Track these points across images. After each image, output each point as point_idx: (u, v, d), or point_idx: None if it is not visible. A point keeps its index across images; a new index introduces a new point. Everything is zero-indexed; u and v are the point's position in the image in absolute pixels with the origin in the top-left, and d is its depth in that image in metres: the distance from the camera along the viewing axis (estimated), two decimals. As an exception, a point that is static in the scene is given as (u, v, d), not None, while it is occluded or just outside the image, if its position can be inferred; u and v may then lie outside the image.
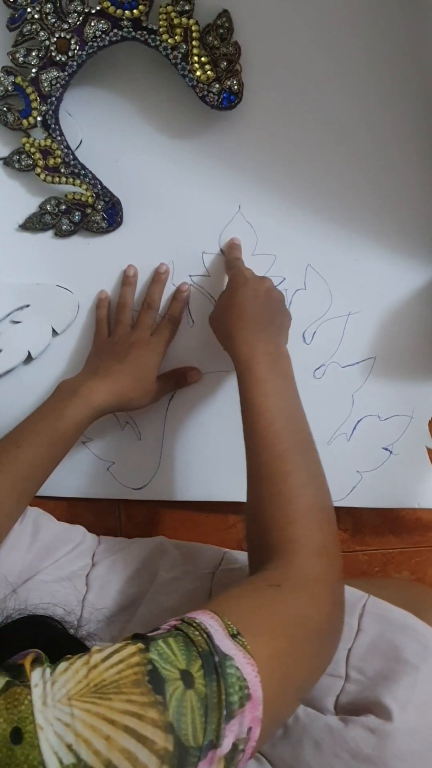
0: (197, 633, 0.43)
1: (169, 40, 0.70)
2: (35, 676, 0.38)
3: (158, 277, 0.80)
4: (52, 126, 0.75)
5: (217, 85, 0.72)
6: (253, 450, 0.63)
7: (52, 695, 0.37)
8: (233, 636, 0.44)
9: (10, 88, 0.74)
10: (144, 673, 0.39)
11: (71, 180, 0.77)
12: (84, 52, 0.72)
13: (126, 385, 0.75)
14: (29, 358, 0.83)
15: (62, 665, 0.39)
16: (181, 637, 0.42)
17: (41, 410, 0.72)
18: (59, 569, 0.72)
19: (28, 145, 0.76)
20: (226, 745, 0.39)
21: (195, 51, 0.71)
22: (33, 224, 0.80)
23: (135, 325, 0.80)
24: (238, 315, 0.69)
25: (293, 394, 0.67)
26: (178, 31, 0.70)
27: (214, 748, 0.38)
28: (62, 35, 0.71)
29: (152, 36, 0.71)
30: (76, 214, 0.79)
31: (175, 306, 0.81)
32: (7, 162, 0.78)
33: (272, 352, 0.67)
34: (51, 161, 0.76)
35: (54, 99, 0.74)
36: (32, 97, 0.74)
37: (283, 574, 0.54)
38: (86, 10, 0.70)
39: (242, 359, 0.66)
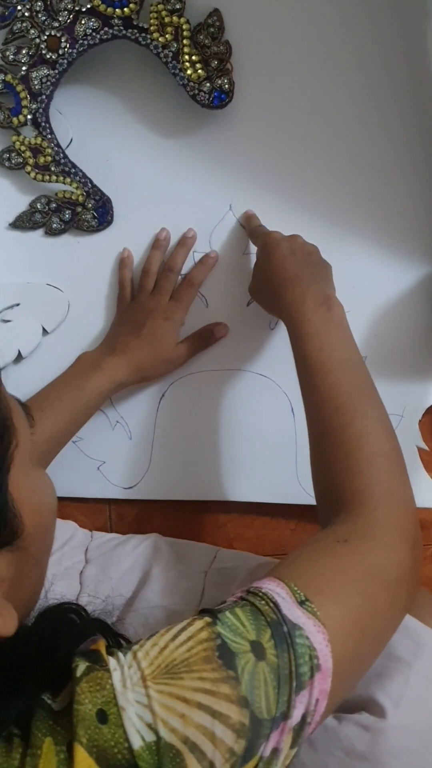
0: (264, 602, 0.43)
1: (160, 39, 0.70)
2: (113, 661, 0.39)
3: (184, 241, 0.79)
4: (43, 124, 0.75)
5: (208, 84, 0.72)
6: (311, 407, 0.61)
7: (129, 678, 0.38)
8: (301, 603, 0.43)
9: (0, 86, 0.73)
10: (214, 648, 0.39)
11: (61, 178, 0.77)
12: (74, 51, 0.72)
13: (144, 359, 0.77)
14: (19, 357, 0.83)
15: (134, 648, 0.40)
16: (248, 606, 0.42)
17: (63, 378, 0.75)
18: (52, 566, 0.71)
19: (18, 143, 0.76)
20: (296, 716, 0.40)
21: (186, 50, 0.71)
22: (23, 223, 0.80)
23: (154, 289, 0.79)
24: (282, 277, 0.67)
25: (348, 342, 0.64)
26: (169, 29, 0.70)
27: (285, 719, 0.39)
28: (53, 33, 0.71)
29: (143, 34, 0.71)
30: (67, 212, 0.79)
31: (198, 270, 0.80)
32: (-3, 160, 0.77)
33: (322, 303, 0.65)
34: (41, 159, 0.76)
35: (44, 97, 0.74)
36: (22, 95, 0.73)
37: (349, 528, 0.52)
38: (77, 8, 0.70)
39: (294, 318, 0.65)
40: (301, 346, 0.63)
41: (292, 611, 0.42)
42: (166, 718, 0.36)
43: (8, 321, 0.82)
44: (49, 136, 0.75)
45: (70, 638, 0.43)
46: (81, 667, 0.39)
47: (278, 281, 0.68)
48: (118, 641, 0.48)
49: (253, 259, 0.80)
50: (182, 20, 0.70)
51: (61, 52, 0.72)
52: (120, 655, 0.40)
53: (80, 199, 0.78)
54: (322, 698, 0.41)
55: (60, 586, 0.70)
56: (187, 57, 0.71)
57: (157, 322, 0.77)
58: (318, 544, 0.51)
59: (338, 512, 0.54)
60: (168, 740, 0.36)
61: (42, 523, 0.46)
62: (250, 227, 0.78)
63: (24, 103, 0.74)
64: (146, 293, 0.79)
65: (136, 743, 0.36)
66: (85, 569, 0.73)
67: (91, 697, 0.37)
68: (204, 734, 0.36)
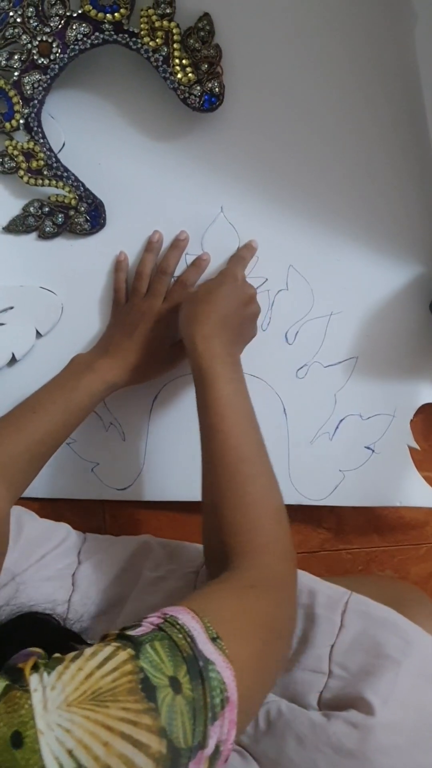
0: (180, 636, 0.44)
1: (151, 43, 0.71)
2: (34, 680, 0.39)
3: (177, 243, 0.80)
4: (35, 129, 0.75)
5: (198, 88, 0.72)
6: (214, 451, 0.63)
7: (51, 700, 0.38)
8: (213, 639, 0.45)
9: (-8, 91, 0.74)
10: (137, 681, 0.40)
11: (54, 182, 0.77)
12: (66, 55, 0.72)
13: (137, 361, 0.77)
14: (13, 360, 0.84)
15: (58, 668, 0.40)
16: (166, 641, 0.43)
17: (57, 381, 0.75)
18: (45, 567, 0.72)
19: (10, 147, 0.76)
20: (211, 745, 0.41)
21: (176, 54, 0.71)
22: (16, 226, 0.81)
23: (147, 292, 0.80)
24: (212, 308, 0.69)
25: (250, 401, 0.67)
26: (159, 34, 0.71)
27: (201, 749, 0.40)
28: (44, 38, 0.71)
29: (133, 39, 0.71)
30: (59, 216, 0.79)
31: (191, 272, 0.80)
32: (-10, 164, 0.78)
33: (232, 354, 0.69)
34: (34, 164, 0.77)
35: (36, 102, 0.74)
36: (15, 100, 0.74)
37: (256, 575, 0.56)
38: (68, 14, 0.71)
39: (203, 354, 0.67)
40: (212, 387, 0.65)
41: (205, 647, 0.44)
42: (90, 745, 0.36)
43: (2, 324, 0.83)
44: (42, 141, 0.76)
45: (14, 650, 0.43)
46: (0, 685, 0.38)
47: (207, 310, 0.70)
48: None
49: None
50: (172, 24, 0.71)
51: (52, 57, 0.72)
52: (44, 674, 0.39)
53: (73, 202, 0.78)
54: (232, 727, 0.43)
55: (53, 587, 0.71)
56: (177, 61, 0.71)
57: (150, 324, 0.78)
58: (228, 584, 0.55)
59: (240, 557, 0.58)
60: None
61: None
62: (237, 252, 0.80)
63: (16, 108, 0.74)
64: (140, 296, 0.79)
65: None
66: (78, 570, 0.74)
67: (7, 718, 0.36)
68: (125, 763, 0.36)
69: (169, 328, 0.79)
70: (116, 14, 0.70)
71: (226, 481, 0.61)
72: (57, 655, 0.42)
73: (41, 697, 0.38)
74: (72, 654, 0.41)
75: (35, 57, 0.72)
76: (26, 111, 0.74)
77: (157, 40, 0.71)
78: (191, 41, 0.71)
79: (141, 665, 0.41)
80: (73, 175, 0.77)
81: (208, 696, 0.41)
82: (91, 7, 0.70)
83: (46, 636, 0.51)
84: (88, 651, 0.42)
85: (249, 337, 0.75)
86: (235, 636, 0.47)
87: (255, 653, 0.48)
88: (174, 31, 0.71)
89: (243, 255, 0.79)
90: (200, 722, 0.40)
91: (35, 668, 0.40)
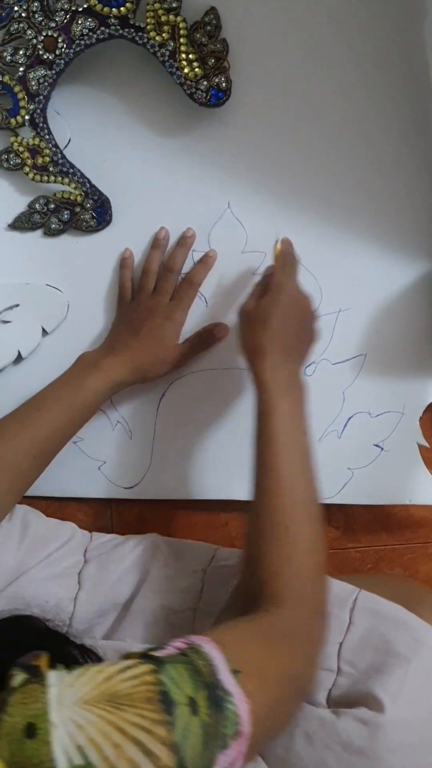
0: (203, 663, 0.44)
1: (157, 38, 0.71)
2: (53, 676, 0.39)
3: (184, 241, 0.79)
4: (40, 125, 0.75)
5: (205, 83, 0.72)
6: (266, 489, 0.61)
7: (68, 697, 0.38)
8: (234, 672, 0.45)
9: (-3, 87, 0.74)
10: (157, 692, 0.40)
11: (60, 179, 0.77)
12: (71, 51, 0.72)
13: (143, 359, 0.76)
14: (19, 358, 0.83)
15: (78, 670, 0.41)
16: (189, 665, 0.43)
17: (62, 379, 0.75)
18: (51, 566, 0.72)
19: (16, 144, 0.76)
20: None
21: (182, 48, 0.71)
22: (22, 223, 0.80)
23: (154, 289, 0.79)
24: (275, 334, 0.67)
25: (308, 437, 0.65)
26: (166, 28, 0.70)
27: None
28: (49, 33, 0.71)
29: (139, 34, 0.71)
30: (65, 212, 0.79)
31: (198, 270, 0.80)
32: (-4, 161, 0.78)
33: (298, 378, 0.67)
34: (39, 160, 0.76)
35: (42, 98, 0.74)
36: (20, 95, 0.74)
37: (290, 626, 0.54)
38: (73, 8, 0.70)
39: (269, 386, 0.64)
40: (274, 422, 0.63)
41: (226, 677, 0.44)
42: (101, 745, 0.36)
43: (8, 322, 0.82)
44: (47, 137, 0.75)
45: (8, 650, 0.43)
46: (18, 678, 0.39)
47: (256, 347, 0.67)
48: (79, 654, 0.50)
49: (252, 257, 0.80)
50: (179, 19, 0.70)
51: (58, 52, 0.72)
52: (62, 672, 0.40)
53: (79, 199, 0.78)
54: (239, 758, 0.43)
55: (58, 585, 0.71)
56: (183, 55, 0.71)
57: (156, 322, 0.77)
58: (260, 627, 0.53)
59: (277, 601, 0.55)
60: (97, 766, 0.36)
61: None
62: (282, 250, 0.77)
63: (21, 103, 0.74)
64: (146, 293, 0.79)
65: (62, 764, 0.35)
66: (83, 569, 0.74)
67: (23, 709, 0.37)
68: None
69: (176, 326, 0.78)
70: (122, 8, 0.70)
71: (275, 523, 0.59)
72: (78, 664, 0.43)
73: (58, 692, 0.38)
74: (93, 664, 0.42)
75: (40, 52, 0.72)
76: (31, 107, 0.74)
77: (164, 35, 0.71)
78: (198, 36, 0.71)
79: (162, 679, 0.41)
80: (79, 171, 0.77)
81: (221, 725, 0.41)
82: (96, 2, 0.70)
83: (39, 639, 0.51)
84: (109, 662, 0.42)
85: (310, 348, 0.72)
86: (255, 676, 0.46)
87: (273, 698, 0.48)
88: (180, 25, 0.70)
89: (287, 260, 0.74)
90: (210, 748, 0.40)
91: (53, 666, 0.40)
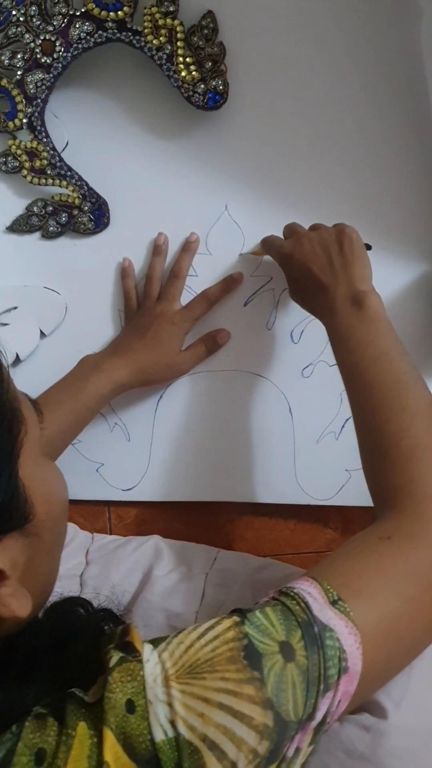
0: (295, 602, 0.42)
1: (154, 41, 0.71)
2: (147, 651, 0.40)
3: (188, 246, 0.80)
4: (38, 128, 0.75)
5: (202, 86, 0.72)
6: (353, 408, 0.60)
7: (155, 675, 0.39)
8: (333, 603, 0.42)
9: (-5, 90, 0.74)
10: (240, 648, 0.39)
11: (57, 181, 0.77)
12: (69, 54, 0.72)
13: (146, 361, 0.76)
14: (17, 361, 0.83)
15: (162, 645, 0.41)
16: (279, 606, 0.42)
17: (64, 381, 0.74)
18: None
19: (14, 147, 0.76)
20: (318, 717, 0.40)
21: (180, 52, 0.71)
22: (20, 226, 0.80)
23: (161, 296, 0.79)
24: (309, 285, 0.67)
25: (383, 336, 0.62)
26: (163, 32, 0.70)
27: (309, 721, 0.39)
28: (47, 37, 0.71)
29: (137, 37, 0.71)
30: (63, 215, 0.79)
31: (217, 287, 0.80)
32: (-7, 164, 0.78)
33: (353, 302, 0.64)
34: (37, 163, 0.76)
35: (39, 101, 0.74)
36: (18, 99, 0.74)
37: (393, 525, 0.50)
38: (71, 12, 0.70)
39: (326, 324, 0.65)
40: (336, 351, 0.63)
41: (323, 612, 0.42)
42: (186, 717, 0.37)
43: (6, 324, 0.82)
44: (45, 140, 0.75)
45: (81, 630, 0.44)
46: (114, 658, 0.40)
47: (307, 289, 0.68)
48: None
49: (250, 259, 0.80)
50: (176, 22, 0.70)
51: (55, 56, 0.72)
52: (150, 647, 0.40)
53: (76, 201, 0.78)
54: (345, 699, 0.41)
55: (60, 587, 0.70)
56: (181, 59, 0.71)
57: (163, 327, 0.77)
58: (359, 541, 0.49)
59: (383, 509, 0.53)
60: (187, 737, 0.36)
61: (53, 512, 0.46)
62: (265, 245, 0.77)
63: (19, 107, 0.74)
64: (152, 300, 0.79)
65: (158, 737, 0.36)
66: (85, 571, 0.73)
67: (122, 686, 0.38)
68: (224, 734, 0.37)
69: (181, 332, 0.79)
70: (119, 12, 0.70)
71: (365, 424, 0.58)
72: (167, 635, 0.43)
73: (151, 669, 0.39)
74: (179, 631, 0.42)
75: (38, 56, 0.72)
76: (29, 110, 0.74)
77: (161, 38, 0.71)
78: (195, 39, 0.71)
79: (246, 631, 0.40)
80: (77, 174, 0.77)
81: (322, 665, 0.40)
82: (94, 6, 0.70)
83: (86, 621, 0.50)
84: (192, 626, 0.42)
85: (359, 260, 0.67)
86: (364, 598, 0.43)
87: (391, 616, 0.44)
88: (178, 29, 0.70)
89: (267, 240, 0.76)
90: (312, 693, 0.39)
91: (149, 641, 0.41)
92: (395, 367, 0.59)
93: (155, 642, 0.41)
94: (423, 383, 0.59)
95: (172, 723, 0.37)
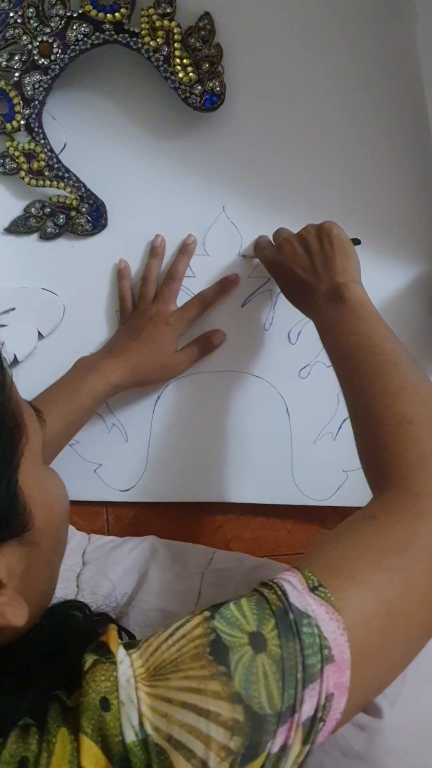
0: (272, 591, 0.41)
1: (151, 43, 0.71)
2: (120, 653, 0.40)
3: (185, 248, 0.80)
4: (36, 129, 0.75)
5: (199, 87, 0.72)
6: (344, 395, 0.60)
7: (129, 675, 0.39)
8: (313, 589, 0.41)
9: (-7, 92, 0.74)
10: (205, 644, 0.39)
11: (55, 183, 0.77)
12: (66, 56, 0.72)
13: (141, 362, 0.77)
14: (15, 362, 0.83)
15: (136, 647, 0.41)
16: (255, 596, 0.41)
17: (59, 383, 0.75)
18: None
19: (12, 148, 0.76)
20: (306, 711, 0.38)
21: (177, 53, 0.71)
22: (18, 227, 0.80)
23: (156, 297, 0.80)
24: (293, 287, 0.69)
25: (364, 322, 0.61)
26: (160, 33, 0.71)
27: (293, 714, 0.38)
28: (44, 39, 0.71)
29: (134, 39, 0.71)
30: (61, 216, 0.79)
31: (213, 289, 0.80)
32: (-9, 165, 0.78)
33: (332, 296, 0.64)
34: (35, 165, 0.76)
35: (37, 102, 0.74)
36: (15, 101, 0.74)
37: (378, 504, 0.49)
38: (68, 14, 0.71)
39: (312, 319, 0.66)
40: (325, 346, 0.64)
41: (301, 599, 0.40)
42: (151, 718, 0.37)
43: (4, 325, 0.82)
44: (43, 141, 0.76)
45: (77, 636, 0.44)
46: (89, 661, 0.40)
47: (294, 290, 0.70)
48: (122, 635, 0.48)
49: (247, 261, 0.80)
50: (173, 24, 0.71)
51: (53, 57, 0.72)
52: (124, 650, 0.40)
53: (74, 203, 0.78)
54: (340, 693, 0.39)
55: (57, 588, 0.70)
56: (178, 60, 0.71)
57: (158, 328, 0.78)
58: (345, 526, 0.47)
59: (373, 493, 0.52)
60: (154, 739, 0.36)
61: (52, 520, 0.46)
62: (255, 250, 0.78)
63: (17, 108, 0.74)
64: (147, 301, 0.80)
65: (129, 738, 0.36)
66: (82, 571, 0.73)
67: (95, 686, 0.38)
68: (190, 732, 0.36)
69: (176, 333, 0.79)
70: (117, 14, 0.70)
71: (352, 409, 0.58)
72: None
73: (124, 670, 0.39)
74: (153, 635, 0.42)
75: (36, 57, 0.72)
76: (27, 112, 0.74)
77: (158, 40, 0.71)
78: (192, 40, 0.71)
79: (214, 625, 0.39)
80: (75, 175, 0.77)
81: (299, 654, 0.38)
82: (91, 7, 0.70)
83: (83, 626, 0.50)
84: (163, 628, 0.41)
85: (341, 255, 0.67)
86: (344, 577, 0.41)
87: (376, 590, 0.42)
88: (175, 30, 0.71)
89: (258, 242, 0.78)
90: (290, 684, 0.38)
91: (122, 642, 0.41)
92: (378, 350, 0.58)
93: (131, 645, 0.41)
94: (409, 360, 0.57)
95: (141, 725, 0.37)
